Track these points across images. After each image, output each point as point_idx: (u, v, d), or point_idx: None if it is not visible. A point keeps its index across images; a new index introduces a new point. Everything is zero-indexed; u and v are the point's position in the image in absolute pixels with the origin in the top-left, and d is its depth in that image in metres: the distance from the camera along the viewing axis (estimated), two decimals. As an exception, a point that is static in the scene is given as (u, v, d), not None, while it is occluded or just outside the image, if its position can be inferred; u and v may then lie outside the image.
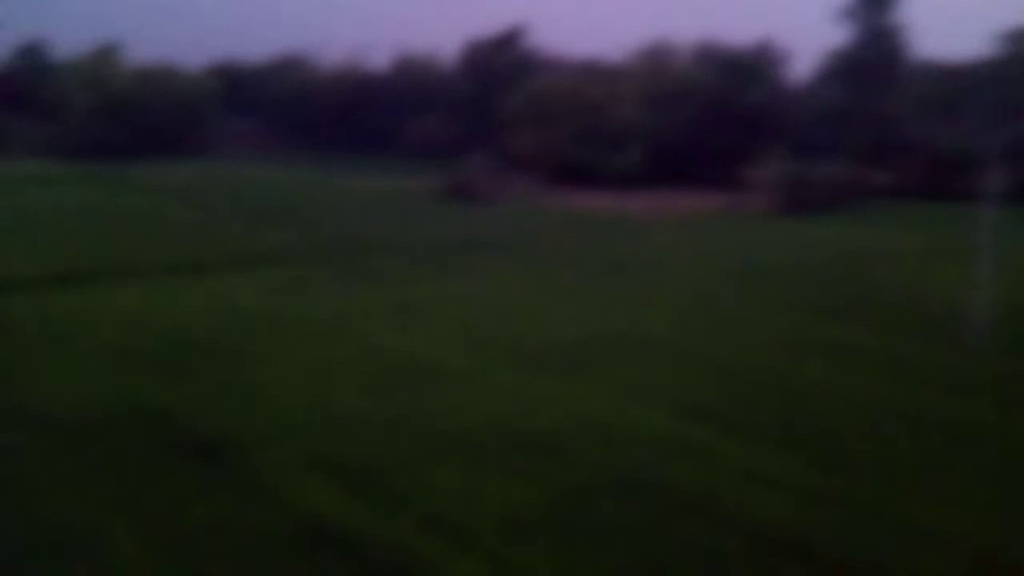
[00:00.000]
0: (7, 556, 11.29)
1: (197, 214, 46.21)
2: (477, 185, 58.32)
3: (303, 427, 15.74)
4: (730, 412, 16.72)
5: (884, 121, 64.65)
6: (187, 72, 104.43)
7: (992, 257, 23.38)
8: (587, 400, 17.54)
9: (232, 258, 33.24)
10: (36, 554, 11.26)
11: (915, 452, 14.96)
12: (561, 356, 20.75)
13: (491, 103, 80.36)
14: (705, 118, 67.16)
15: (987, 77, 57.53)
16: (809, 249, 39.48)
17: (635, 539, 11.71)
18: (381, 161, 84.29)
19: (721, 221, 50.00)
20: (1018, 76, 55.87)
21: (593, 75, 78.72)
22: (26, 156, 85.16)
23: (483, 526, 11.97)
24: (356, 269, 32.04)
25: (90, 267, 30.21)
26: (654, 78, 73.25)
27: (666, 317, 25.35)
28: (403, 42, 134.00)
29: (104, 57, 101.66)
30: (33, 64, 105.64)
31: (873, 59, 67.25)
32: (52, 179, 66.10)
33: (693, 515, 12.41)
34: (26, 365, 19.08)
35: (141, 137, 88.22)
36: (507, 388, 18.24)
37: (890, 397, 17.99)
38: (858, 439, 15.52)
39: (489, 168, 61.11)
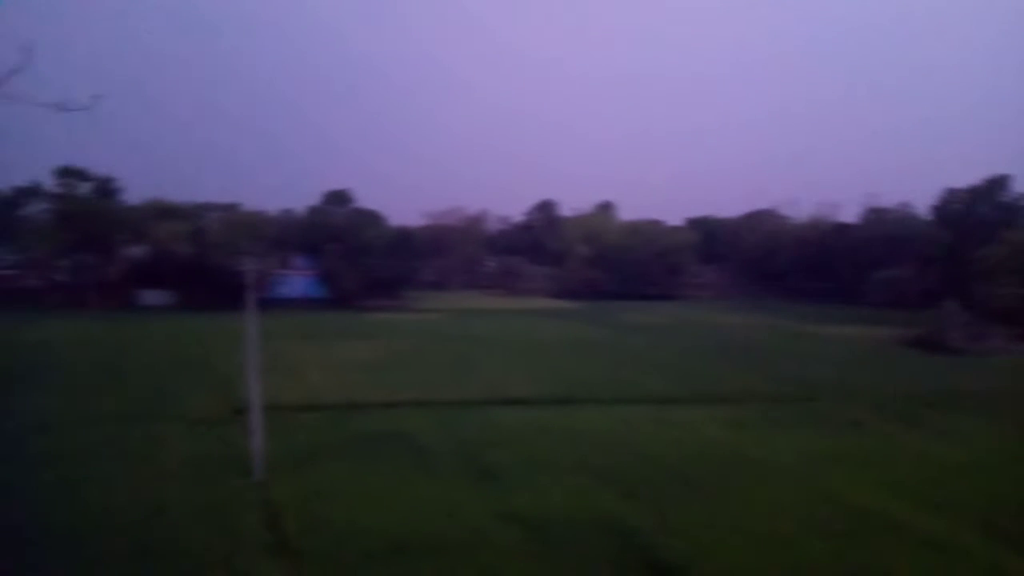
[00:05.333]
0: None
1: (668, 352, 48.29)
2: (948, 336, 52.03)
3: (758, 566, 15.15)
4: None
5: None
6: (670, 225, 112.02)
7: None
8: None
9: (698, 393, 33.98)
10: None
11: None
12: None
13: (967, 253, 71.91)
14: None
15: None
16: None
17: None
18: (845, 310, 79.90)
19: None
20: None
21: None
22: (533, 294, 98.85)
23: None
24: (814, 413, 30.43)
25: (572, 391, 33.28)
26: None
27: None
28: (875, 193, 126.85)
29: (602, 213, 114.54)
30: (546, 218, 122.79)
31: None
32: (550, 313, 75.26)
33: None
34: (516, 473, 21.22)
35: (626, 281, 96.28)
36: (975, 558, 15.65)
37: None
38: None
39: (963, 319, 54.26)
